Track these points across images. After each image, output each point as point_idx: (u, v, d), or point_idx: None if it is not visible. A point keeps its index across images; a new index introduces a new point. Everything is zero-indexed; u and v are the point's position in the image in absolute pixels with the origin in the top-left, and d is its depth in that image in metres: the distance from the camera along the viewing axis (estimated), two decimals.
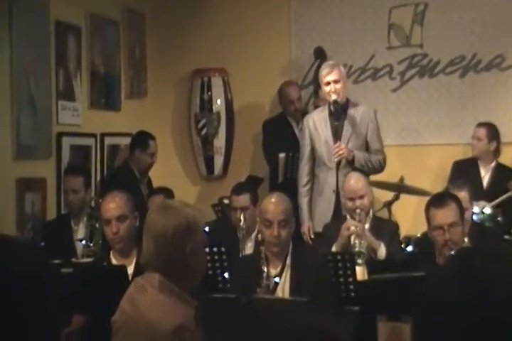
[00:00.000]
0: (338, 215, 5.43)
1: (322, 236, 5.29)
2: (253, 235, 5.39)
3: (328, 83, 5.69)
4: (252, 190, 5.60)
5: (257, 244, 5.28)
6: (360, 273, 4.42)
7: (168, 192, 5.83)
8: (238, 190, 5.50)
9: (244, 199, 5.40)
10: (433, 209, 4.36)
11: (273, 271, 4.24)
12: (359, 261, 4.50)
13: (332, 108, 5.71)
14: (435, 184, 6.29)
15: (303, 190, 5.83)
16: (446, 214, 4.31)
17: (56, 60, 6.39)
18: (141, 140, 6.67)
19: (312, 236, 5.69)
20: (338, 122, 5.69)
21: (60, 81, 6.44)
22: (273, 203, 4.31)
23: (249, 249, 5.33)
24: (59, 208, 6.26)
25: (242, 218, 5.16)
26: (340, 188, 5.39)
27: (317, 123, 5.81)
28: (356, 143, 5.73)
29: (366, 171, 5.63)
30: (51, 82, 6.31)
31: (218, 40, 7.75)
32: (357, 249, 4.63)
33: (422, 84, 7.22)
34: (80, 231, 5.57)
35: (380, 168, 5.81)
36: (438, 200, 4.41)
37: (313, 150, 5.83)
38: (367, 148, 5.78)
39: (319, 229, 5.49)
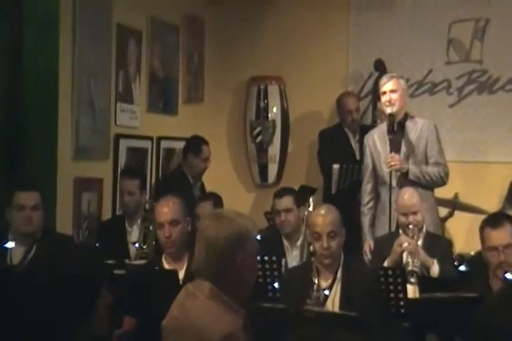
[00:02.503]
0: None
1: (374, 250, 5.26)
2: (298, 243, 5.40)
3: (385, 92, 5.65)
4: (294, 192, 5.60)
5: (301, 252, 5.30)
6: (412, 291, 4.37)
7: (217, 198, 5.86)
8: (279, 193, 5.57)
9: (286, 201, 5.42)
10: (488, 229, 4.30)
11: (323, 284, 4.25)
12: (412, 280, 4.44)
13: (388, 121, 5.67)
14: (491, 202, 6.19)
15: (364, 209, 5.78)
16: (501, 235, 4.25)
17: (116, 62, 6.46)
18: (195, 145, 6.70)
19: None
20: (395, 136, 5.61)
21: (119, 83, 6.51)
22: (321, 215, 4.34)
23: (294, 257, 5.33)
24: (114, 209, 6.34)
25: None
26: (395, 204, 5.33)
27: (377, 141, 5.76)
28: (415, 157, 5.63)
29: (424, 184, 5.56)
30: (111, 84, 6.39)
31: (276, 48, 7.77)
32: (410, 268, 4.56)
33: (481, 100, 7.15)
34: (134, 233, 5.63)
35: (441, 180, 5.64)
36: (493, 220, 4.35)
37: (374, 169, 5.77)
38: (427, 161, 5.67)
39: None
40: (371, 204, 5.77)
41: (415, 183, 5.49)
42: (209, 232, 2.95)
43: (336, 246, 4.28)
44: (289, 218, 5.40)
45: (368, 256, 5.58)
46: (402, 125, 5.66)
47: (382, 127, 5.80)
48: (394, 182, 5.52)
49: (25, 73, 5.45)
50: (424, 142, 5.66)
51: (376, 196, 5.76)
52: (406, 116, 5.72)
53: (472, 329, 1.66)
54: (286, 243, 5.48)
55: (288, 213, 5.39)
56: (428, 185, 5.60)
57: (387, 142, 5.67)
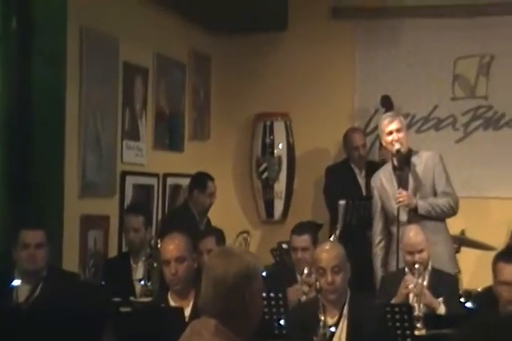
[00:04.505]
0: None
1: (379, 288, 5.23)
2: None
3: (391, 133, 5.66)
4: (312, 231, 5.59)
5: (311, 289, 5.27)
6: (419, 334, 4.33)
7: (219, 234, 5.84)
8: (299, 230, 5.53)
9: (305, 241, 5.40)
10: (501, 263, 4.27)
11: (330, 320, 4.23)
12: (418, 325, 4.37)
13: (395, 158, 5.68)
14: (498, 238, 6.18)
15: (376, 250, 5.76)
16: None
17: (123, 99, 6.49)
18: (200, 181, 6.70)
19: None
20: (402, 172, 5.63)
21: (125, 120, 6.54)
22: (325, 250, 4.38)
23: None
24: (120, 246, 6.32)
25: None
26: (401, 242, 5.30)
27: (383, 180, 5.76)
28: (424, 191, 5.62)
29: (435, 217, 5.54)
30: (117, 122, 6.42)
31: (282, 84, 7.82)
32: (416, 313, 4.45)
33: (487, 136, 7.17)
34: (139, 270, 5.61)
35: (452, 210, 5.60)
36: (507, 255, 4.33)
37: (384, 209, 5.76)
38: (435, 193, 5.65)
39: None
40: (382, 244, 5.76)
41: (426, 217, 5.48)
42: (217, 269, 2.94)
43: (340, 281, 4.28)
44: (305, 256, 5.38)
45: None
46: (407, 161, 5.67)
47: (387, 166, 5.82)
48: (404, 218, 5.52)
49: (32, 110, 5.49)
50: (431, 174, 5.66)
51: (387, 235, 5.74)
52: (410, 152, 5.73)
53: None
54: (299, 278, 5.45)
55: (305, 252, 5.39)
56: (439, 216, 5.59)
57: (394, 179, 5.68)
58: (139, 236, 5.75)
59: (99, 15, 6.09)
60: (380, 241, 5.76)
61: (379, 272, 5.69)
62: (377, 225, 5.79)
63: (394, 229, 5.64)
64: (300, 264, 5.39)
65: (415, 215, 5.52)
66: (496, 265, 4.32)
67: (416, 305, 4.58)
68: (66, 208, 5.64)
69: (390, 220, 5.72)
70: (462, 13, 7.27)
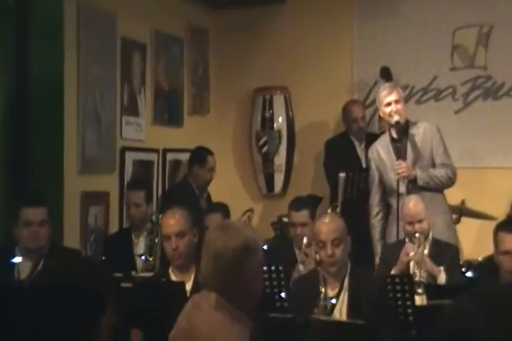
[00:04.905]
0: None
1: (380, 258, 5.25)
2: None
3: (389, 104, 5.65)
4: (311, 206, 5.60)
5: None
6: (420, 301, 4.35)
7: (225, 210, 5.85)
8: (297, 205, 5.53)
9: (303, 216, 5.41)
10: (502, 233, 4.29)
11: (330, 293, 4.25)
12: (419, 290, 4.42)
13: (394, 129, 5.68)
14: (498, 208, 6.17)
15: (374, 221, 5.78)
16: None
17: (121, 75, 6.50)
18: (199, 155, 6.71)
19: None
20: (400, 143, 5.64)
21: (124, 96, 6.54)
22: (325, 224, 4.38)
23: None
24: (121, 222, 6.35)
25: (304, 239, 5.19)
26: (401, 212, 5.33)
27: (381, 152, 5.77)
28: (422, 162, 5.63)
29: (434, 187, 5.55)
30: (116, 98, 6.42)
31: (280, 58, 7.79)
32: (417, 279, 4.53)
33: (486, 106, 7.14)
34: (140, 245, 5.64)
35: (450, 181, 5.62)
36: (508, 225, 4.36)
37: (381, 181, 5.77)
38: (434, 164, 5.67)
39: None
40: (380, 215, 5.78)
41: (424, 188, 5.49)
42: (217, 244, 2.95)
43: (340, 254, 4.29)
44: (304, 231, 5.39)
45: None
46: (405, 132, 5.67)
47: (384, 137, 5.82)
48: (402, 190, 5.52)
49: (31, 87, 5.48)
50: (429, 146, 5.66)
51: (385, 207, 5.76)
52: (407, 123, 5.73)
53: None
54: (298, 252, 5.47)
55: (304, 227, 5.39)
56: (438, 187, 5.60)
57: (392, 151, 5.69)
58: (141, 211, 5.76)
59: None
60: (377, 213, 5.78)
61: (377, 243, 5.71)
62: (375, 197, 5.80)
63: (391, 200, 5.67)
64: (299, 240, 5.40)
65: (414, 186, 5.52)
66: (496, 235, 4.34)
67: (417, 271, 4.62)
68: (66, 184, 5.66)
69: (387, 191, 5.73)
70: None
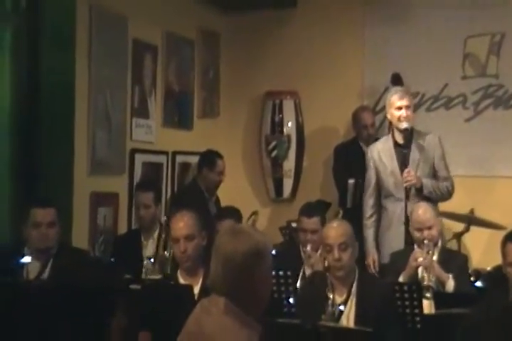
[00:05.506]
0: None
1: (389, 265, 5.25)
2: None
3: (400, 108, 5.67)
4: (322, 213, 5.59)
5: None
6: (428, 306, 4.36)
7: (237, 215, 5.83)
8: (309, 212, 5.51)
9: (314, 222, 5.41)
10: (510, 245, 4.26)
11: (338, 299, 4.25)
12: (427, 294, 4.43)
13: (402, 135, 5.70)
14: (508, 217, 6.15)
15: (367, 222, 5.82)
16: None
17: (132, 77, 6.50)
18: (209, 158, 6.72)
19: (377, 269, 5.65)
20: (407, 150, 5.68)
21: (135, 98, 6.55)
22: (333, 228, 4.40)
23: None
24: (130, 223, 6.36)
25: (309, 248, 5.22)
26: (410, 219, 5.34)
27: (382, 153, 5.80)
28: (424, 170, 5.69)
29: (434, 198, 5.60)
30: (127, 99, 6.43)
31: (292, 62, 7.79)
32: (425, 283, 4.56)
33: (497, 115, 7.12)
34: (150, 247, 5.65)
35: (448, 195, 5.74)
36: None
37: (378, 182, 5.81)
38: (434, 175, 5.73)
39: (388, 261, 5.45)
40: (374, 217, 5.82)
41: (422, 197, 5.52)
42: (226, 248, 2.94)
43: (347, 258, 4.29)
44: (314, 238, 5.39)
45: (371, 270, 5.63)
46: (410, 139, 5.71)
47: (387, 141, 5.84)
48: (401, 195, 5.59)
49: (42, 88, 5.50)
50: (431, 156, 5.74)
51: (379, 209, 5.79)
52: (412, 130, 5.76)
53: None
54: (305, 258, 5.46)
55: (314, 234, 5.39)
56: (437, 198, 5.67)
57: (395, 156, 5.71)
58: (150, 213, 5.77)
59: None
60: (371, 215, 5.83)
61: (370, 245, 5.74)
62: (370, 199, 5.85)
63: (386, 203, 5.75)
64: (307, 246, 5.39)
65: (417, 194, 5.56)
66: (505, 246, 4.31)
67: (425, 275, 4.63)
68: (76, 185, 5.67)
69: (383, 194, 5.77)
70: None
